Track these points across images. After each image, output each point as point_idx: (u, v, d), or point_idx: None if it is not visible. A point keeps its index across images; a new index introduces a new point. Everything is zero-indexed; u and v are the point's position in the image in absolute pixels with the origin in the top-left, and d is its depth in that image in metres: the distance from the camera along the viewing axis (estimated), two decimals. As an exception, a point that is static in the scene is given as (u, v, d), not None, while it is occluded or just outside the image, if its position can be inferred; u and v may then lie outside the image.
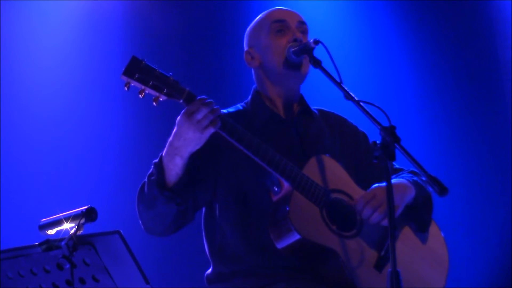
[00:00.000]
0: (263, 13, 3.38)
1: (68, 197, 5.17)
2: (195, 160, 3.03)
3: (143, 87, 2.87)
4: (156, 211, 3.02)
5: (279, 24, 3.28)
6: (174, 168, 2.98)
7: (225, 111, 3.29)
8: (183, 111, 2.92)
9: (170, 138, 2.97)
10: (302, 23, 3.32)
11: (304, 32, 3.31)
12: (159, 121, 5.36)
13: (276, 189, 3.09)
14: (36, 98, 5.34)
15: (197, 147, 2.95)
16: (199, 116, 2.88)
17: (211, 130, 2.91)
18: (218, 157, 3.15)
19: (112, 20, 5.61)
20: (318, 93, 4.04)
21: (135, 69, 2.85)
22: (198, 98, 2.91)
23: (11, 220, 5.10)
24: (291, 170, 3.04)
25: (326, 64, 3.07)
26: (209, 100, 2.90)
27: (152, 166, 3.04)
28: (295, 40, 3.23)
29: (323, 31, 5.38)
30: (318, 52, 3.11)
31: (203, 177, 3.13)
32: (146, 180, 3.05)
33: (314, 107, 3.42)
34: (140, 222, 3.14)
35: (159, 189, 2.97)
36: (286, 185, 3.06)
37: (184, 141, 2.93)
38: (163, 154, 3.00)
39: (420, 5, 6.09)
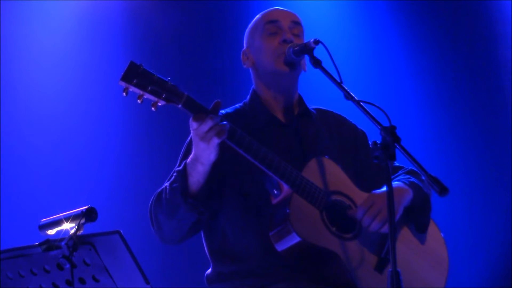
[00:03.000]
0: (260, 13, 3.38)
1: (68, 197, 5.17)
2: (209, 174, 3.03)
3: (141, 92, 2.86)
4: (178, 220, 3.03)
5: (272, 26, 3.29)
6: (196, 175, 2.98)
7: (223, 111, 3.29)
8: (190, 121, 2.92)
9: (193, 146, 2.98)
10: (295, 23, 3.32)
11: (298, 34, 3.30)
12: (160, 121, 5.37)
13: (275, 192, 3.09)
14: (36, 98, 5.34)
15: (213, 155, 2.95)
16: (205, 128, 2.88)
17: (216, 141, 2.90)
18: (220, 159, 3.14)
19: (112, 20, 5.61)
20: (318, 93, 4.04)
21: (133, 74, 2.84)
22: (198, 112, 2.90)
23: (11, 220, 5.10)
24: (290, 172, 3.03)
25: (326, 64, 3.07)
26: (213, 114, 2.89)
27: (175, 174, 3.04)
28: (284, 41, 3.23)
29: (323, 31, 5.39)
30: (318, 52, 3.11)
31: (212, 185, 3.11)
32: (167, 188, 3.05)
33: (312, 106, 3.42)
34: (156, 231, 3.14)
35: (182, 197, 2.98)
36: (285, 187, 3.06)
37: (199, 150, 2.94)
38: (188, 162, 3.01)
39: (420, 5, 6.09)
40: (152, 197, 3.13)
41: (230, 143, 2.97)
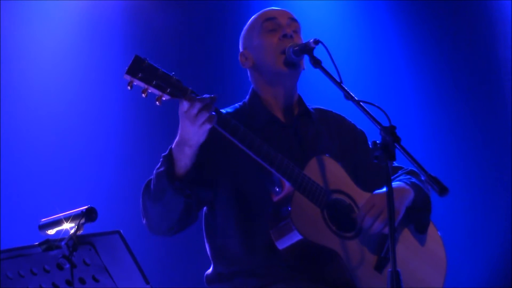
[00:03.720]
0: (255, 14, 3.39)
1: (68, 197, 5.17)
2: (197, 159, 3.03)
3: (146, 86, 2.87)
4: (164, 204, 3.01)
5: (270, 23, 3.29)
6: (184, 158, 2.98)
7: (223, 111, 3.29)
8: (179, 106, 2.93)
9: (179, 130, 2.97)
10: (293, 19, 3.32)
11: (296, 30, 3.31)
12: (160, 120, 5.36)
13: (277, 189, 3.09)
14: (36, 98, 5.34)
15: (203, 138, 2.95)
16: (194, 111, 2.88)
17: (207, 126, 2.91)
18: (219, 156, 3.15)
19: (112, 20, 5.61)
20: (318, 93, 4.04)
21: (138, 68, 2.85)
22: (193, 94, 2.91)
23: (11, 220, 5.10)
24: (292, 170, 3.04)
25: (326, 64, 3.07)
26: (203, 96, 2.90)
27: (161, 159, 3.04)
28: (284, 36, 3.23)
29: (323, 31, 5.40)
30: (318, 52, 3.11)
31: (205, 176, 3.12)
32: (154, 174, 3.04)
33: (312, 106, 3.42)
34: (145, 221, 3.12)
35: (168, 180, 2.97)
36: (287, 185, 3.06)
37: (188, 134, 2.93)
38: (173, 146, 3.00)
39: (420, 5, 6.09)
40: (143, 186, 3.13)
41: (233, 139, 2.97)
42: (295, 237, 2.99)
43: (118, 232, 2.51)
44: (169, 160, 2.99)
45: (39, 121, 5.33)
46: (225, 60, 5.65)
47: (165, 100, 2.90)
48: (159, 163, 3.04)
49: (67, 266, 2.52)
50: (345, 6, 6.10)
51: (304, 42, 3.20)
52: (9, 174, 5.20)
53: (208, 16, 5.80)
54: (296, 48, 3.17)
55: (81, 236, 2.55)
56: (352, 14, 6.12)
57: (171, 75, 2.90)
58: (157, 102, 2.90)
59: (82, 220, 2.60)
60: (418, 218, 3.27)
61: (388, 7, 6.10)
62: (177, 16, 5.73)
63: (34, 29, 5.40)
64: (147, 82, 2.86)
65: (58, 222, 2.67)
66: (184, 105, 2.89)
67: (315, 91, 4.10)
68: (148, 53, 5.58)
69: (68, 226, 2.64)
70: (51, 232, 2.70)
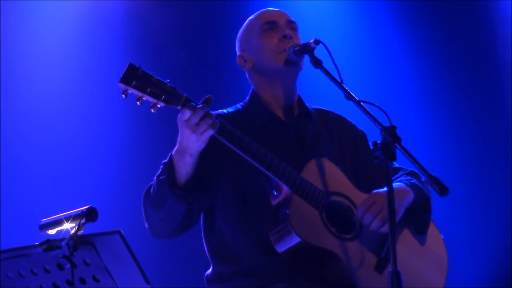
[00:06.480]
0: (252, 15, 3.39)
1: (68, 197, 5.17)
2: (197, 166, 3.03)
3: (140, 94, 2.87)
4: (166, 211, 3.03)
5: (269, 25, 3.29)
6: (185, 166, 2.98)
7: (224, 111, 3.30)
8: (179, 115, 2.92)
9: (179, 138, 2.97)
10: (290, 22, 3.33)
11: (294, 29, 3.31)
12: (160, 121, 5.37)
13: (275, 193, 3.09)
14: (36, 98, 5.34)
15: (203, 145, 2.95)
16: (195, 119, 2.88)
17: (209, 133, 2.91)
18: (219, 158, 3.15)
19: (112, 20, 5.61)
20: (318, 93, 4.05)
21: (132, 76, 2.85)
22: (193, 103, 2.91)
23: (11, 220, 5.10)
24: (290, 173, 3.04)
25: (327, 64, 3.07)
26: (202, 105, 2.90)
27: (161, 166, 3.04)
28: (284, 37, 3.23)
29: (323, 31, 5.40)
30: (319, 52, 3.11)
31: (206, 182, 3.12)
32: (154, 181, 3.05)
33: (312, 106, 3.42)
34: (147, 226, 3.13)
35: (170, 188, 2.97)
36: (285, 188, 3.06)
37: (188, 142, 2.93)
38: (173, 153, 3.00)
39: (420, 5, 6.09)
40: (144, 192, 3.13)
41: (229, 144, 2.97)
42: (293, 240, 2.99)
43: (119, 232, 2.52)
44: (170, 168, 2.99)
45: (39, 121, 5.33)
46: (225, 61, 5.65)
47: (160, 107, 2.90)
48: (160, 170, 3.05)
49: (68, 266, 2.53)
50: (345, 6, 6.10)
51: (304, 42, 3.20)
52: (9, 174, 5.20)
53: (208, 17, 5.80)
54: (296, 48, 3.17)
55: (82, 236, 2.55)
56: (352, 14, 6.12)
57: (166, 82, 2.90)
58: (151, 110, 2.90)
59: (83, 220, 2.60)
60: (417, 219, 3.27)
61: (389, 7, 6.10)
62: (177, 16, 5.73)
63: (34, 29, 5.40)
64: (142, 90, 2.86)
65: (58, 222, 2.67)
66: (186, 113, 2.88)
67: (315, 91, 4.10)
68: (148, 53, 5.63)
69: (68, 226, 2.64)
70: (52, 232, 2.71)
